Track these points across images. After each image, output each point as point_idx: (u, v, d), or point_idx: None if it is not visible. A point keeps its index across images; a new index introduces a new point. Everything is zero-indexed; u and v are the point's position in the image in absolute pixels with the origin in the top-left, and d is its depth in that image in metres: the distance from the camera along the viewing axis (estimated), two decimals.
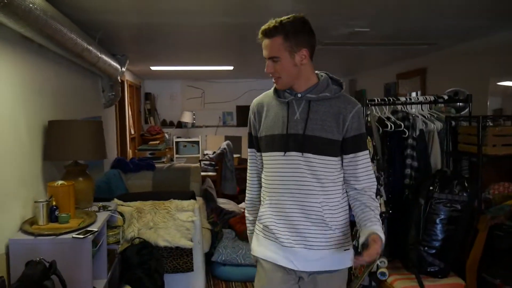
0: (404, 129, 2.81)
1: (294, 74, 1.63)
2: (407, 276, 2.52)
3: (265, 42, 1.61)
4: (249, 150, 1.84)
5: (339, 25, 3.28)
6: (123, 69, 4.50)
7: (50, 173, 2.74)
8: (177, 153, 7.54)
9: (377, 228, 1.58)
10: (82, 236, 2.19)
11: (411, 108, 2.98)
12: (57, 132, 2.62)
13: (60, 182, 2.50)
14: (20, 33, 2.22)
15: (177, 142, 7.58)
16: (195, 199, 3.46)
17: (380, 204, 2.65)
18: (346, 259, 1.69)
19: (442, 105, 3.08)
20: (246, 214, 1.89)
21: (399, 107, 2.99)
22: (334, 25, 3.28)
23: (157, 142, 6.77)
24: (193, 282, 3.32)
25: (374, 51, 4.92)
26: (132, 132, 6.50)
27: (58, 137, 2.61)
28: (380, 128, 2.80)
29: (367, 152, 1.69)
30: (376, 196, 2.00)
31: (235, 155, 6.56)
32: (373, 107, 2.91)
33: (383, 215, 2.65)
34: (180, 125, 8.03)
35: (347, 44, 4.23)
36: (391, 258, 2.69)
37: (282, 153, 1.64)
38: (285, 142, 1.64)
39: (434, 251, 2.49)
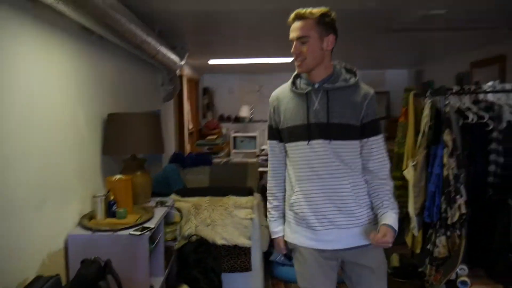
0: (488, 121, 2.49)
1: (318, 58, 1.72)
2: (491, 285, 2.23)
3: (296, 24, 1.70)
4: (269, 142, 1.91)
5: (412, 6, 2.97)
6: (182, 62, 4.45)
7: (109, 167, 2.71)
8: (234, 148, 7.46)
9: (388, 217, 1.70)
10: (139, 233, 2.12)
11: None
12: (115, 125, 2.57)
13: (118, 176, 2.45)
14: (80, 23, 2.18)
15: (234, 137, 7.51)
16: (252, 195, 3.33)
17: (460, 205, 2.37)
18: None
19: None
20: (270, 199, 1.92)
21: (481, 96, 2.67)
22: (406, 7, 2.98)
23: (215, 137, 6.74)
24: (251, 282, 3.18)
25: (446, 37, 4.51)
26: (190, 126, 6.50)
27: (116, 131, 2.56)
28: (461, 120, 2.50)
29: (382, 135, 1.79)
30: (456, 196, 2.32)
31: None
32: (450, 97, 2.60)
33: (463, 216, 2.36)
34: (238, 119, 7.96)
35: (420, 29, 3.88)
36: (471, 266, 2.40)
37: (305, 142, 1.73)
38: (308, 131, 1.73)
39: None
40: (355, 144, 1.75)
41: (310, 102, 1.75)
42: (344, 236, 1.74)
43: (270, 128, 1.91)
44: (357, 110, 1.73)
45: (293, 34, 1.72)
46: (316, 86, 1.75)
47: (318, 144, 1.73)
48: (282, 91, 1.88)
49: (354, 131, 1.73)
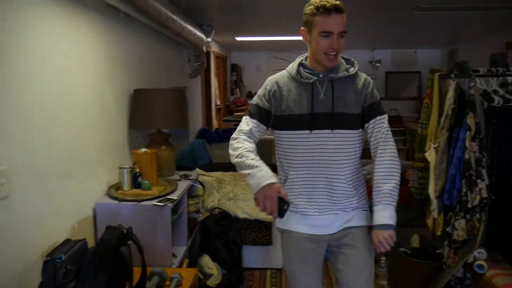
0: None
1: None
2: (509, 271, 2.22)
3: (338, 17, 1.66)
4: (250, 119, 1.79)
5: None
6: (208, 39, 4.50)
7: (136, 140, 2.82)
8: None
9: (382, 215, 1.71)
10: (162, 204, 2.22)
11: None
12: (141, 100, 2.66)
13: (143, 149, 2.55)
14: (105, 1, 2.26)
15: None
16: (276, 172, 3.38)
17: (481, 189, 2.35)
18: (364, 218, 1.83)
19: None
20: (241, 151, 1.68)
21: (509, 79, 2.60)
22: None
23: (242, 113, 6.80)
24: (272, 255, 3.28)
25: (480, 16, 4.36)
26: (218, 103, 6.58)
27: (142, 106, 2.65)
28: (486, 103, 2.45)
29: (386, 115, 1.80)
30: (477, 180, 2.37)
31: None
32: (477, 79, 2.55)
33: (484, 201, 2.35)
34: None
35: (447, 8, 3.77)
36: (490, 250, 2.39)
37: (308, 132, 1.73)
38: (311, 121, 1.73)
39: None
40: (355, 133, 1.77)
41: (316, 92, 1.75)
42: (331, 221, 1.78)
43: (257, 107, 1.79)
44: (358, 98, 1.76)
45: (336, 28, 1.65)
46: (321, 76, 1.75)
47: (320, 133, 1.73)
48: (281, 78, 1.82)
49: (356, 120, 1.76)
